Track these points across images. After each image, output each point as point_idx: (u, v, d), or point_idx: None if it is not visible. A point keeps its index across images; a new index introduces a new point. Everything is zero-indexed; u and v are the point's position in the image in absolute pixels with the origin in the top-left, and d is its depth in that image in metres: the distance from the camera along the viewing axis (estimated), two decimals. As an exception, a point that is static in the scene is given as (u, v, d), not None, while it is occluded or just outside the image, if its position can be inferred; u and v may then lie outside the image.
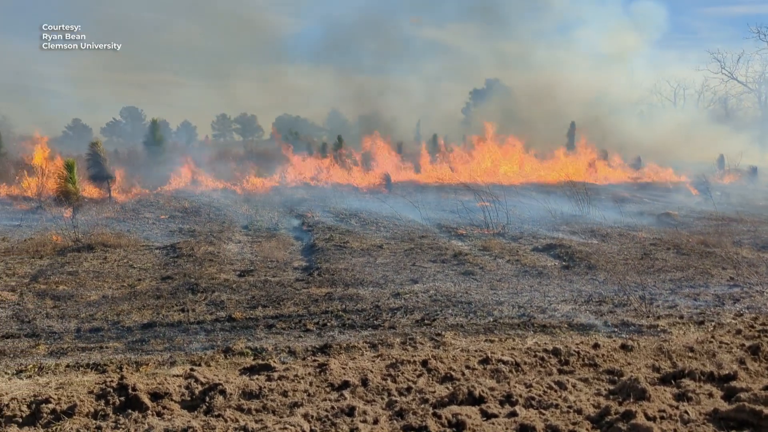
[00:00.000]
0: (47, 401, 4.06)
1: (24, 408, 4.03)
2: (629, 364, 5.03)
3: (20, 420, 3.95)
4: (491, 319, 6.60)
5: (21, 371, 4.95)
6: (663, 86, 71.12)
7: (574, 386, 4.45)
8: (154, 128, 27.16)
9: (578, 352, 5.17)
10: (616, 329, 6.27)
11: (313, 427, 3.80)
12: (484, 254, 10.65)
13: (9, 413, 3.97)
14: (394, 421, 3.90)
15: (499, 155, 29.45)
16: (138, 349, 5.62)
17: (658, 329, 6.22)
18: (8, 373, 4.89)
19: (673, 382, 4.52)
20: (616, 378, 4.69)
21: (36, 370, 4.97)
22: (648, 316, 6.71)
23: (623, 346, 5.40)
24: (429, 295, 7.63)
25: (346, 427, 3.79)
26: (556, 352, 5.17)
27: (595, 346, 5.37)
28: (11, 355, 5.41)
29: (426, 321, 6.53)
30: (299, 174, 26.39)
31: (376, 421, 3.88)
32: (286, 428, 3.70)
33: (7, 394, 4.31)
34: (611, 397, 4.30)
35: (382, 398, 4.30)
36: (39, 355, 5.41)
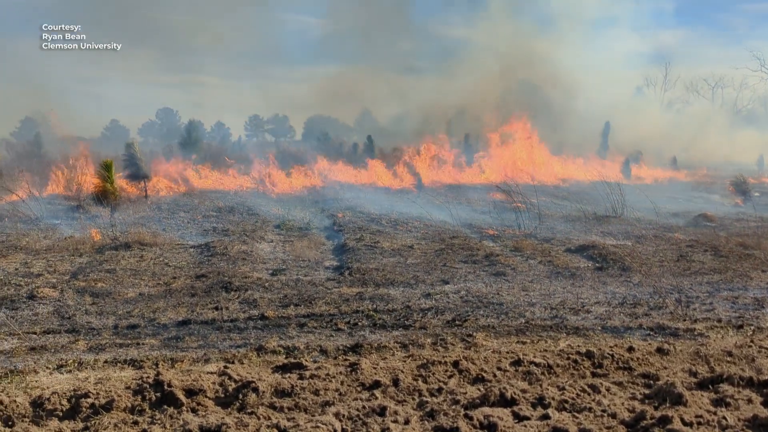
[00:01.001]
0: (86, 396, 4.17)
1: (64, 402, 4.14)
2: (665, 368, 4.94)
3: (60, 414, 4.06)
4: (523, 321, 6.54)
5: (61, 366, 5.08)
6: (700, 85, 69.62)
7: (608, 390, 4.40)
8: (191, 128, 27.61)
9: (612, 355, 5.10)
10: (651, 332, 6.17)
11: (344, 426, 3.82)
12: (516, 255, 10.57)
13: (50, 407, 4.09)
14: (425, 422, 3.90)
15: (526, 155, 29.17)
16: (173, 346, 5.72)
17: (695, 333, 6.09)
18: (49, 368, 5.03)
19: (710, 387, 4.43)
20: (651, 382, 4.61)
21: (76, 365, 5.10)
22: (684, 320, 6.58)
23: (659, 350, 5.31)
24: (460, 296, 7.60)
25: (378, 427, 3.80)
26: (589, 355, 5.11)
27: (630, 349, 5.28)
28: (52, 350, 5.56)
29: (457, 322, 6.51)
30: (330, 174, 26.53)
31: (407, 422, 3.89)
32: (318, 427, 3.73)
33: (48, 388, 4.44)
34: (647, 401, 4.23)
35: (413, 398, 4.31)
36: (78, 351, 5.56)
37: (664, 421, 3.75)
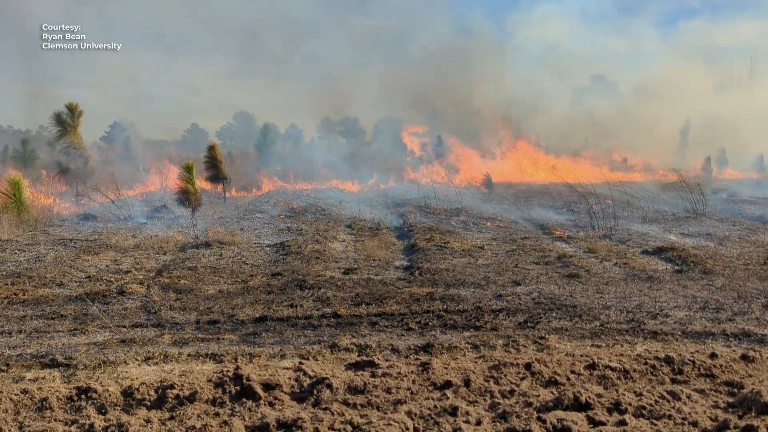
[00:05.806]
0: (172, 387, 4.40)
1: (152, 392, 4.39)
2: (750, 375, 4.73)
3: (148, 403, 4.30)
4: (597, 324, 6.40)
5: (149, 358, 5.37)
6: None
7: (688, 397, 4.25)
8: (266, 132, 28.45)
9: (693, 362, 4.92)
10: (735, 339, 5.90)
11: (416, 425, 3.87)
12: (590, 257, 10.31)
13: (139, 396, 4.35)
14: (497, 423, 3.90)
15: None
16: (251, 342, 5.93)
17: (785, 340, 5.78)
18: (138, 360, 5.33)
19: (801, 397, 4.21)
20: (735, 390, 4.43)
21: (162, 357, 5.39)
22: (773, 326, 6.25)
23: (744, 357, 5.08)
24: (532, 298, 7.51)
25: (449, 427, 3.83)
26: (668, 361, 4.95)
27: (712, 355, 5.08)
28: (140, 343, 5.89)
29: (529, 323, 6.44)
30: (399, 175, 26.69)
31: (479, 422, 3.90)
32: (390, 424, 3.80)
33: (137, 378, 4.72)
34: (730, 410, 4.07)
35: (485, 400, 4.31)
36: (164, 344, 5.85)
37: (750, 431, 3.60)
